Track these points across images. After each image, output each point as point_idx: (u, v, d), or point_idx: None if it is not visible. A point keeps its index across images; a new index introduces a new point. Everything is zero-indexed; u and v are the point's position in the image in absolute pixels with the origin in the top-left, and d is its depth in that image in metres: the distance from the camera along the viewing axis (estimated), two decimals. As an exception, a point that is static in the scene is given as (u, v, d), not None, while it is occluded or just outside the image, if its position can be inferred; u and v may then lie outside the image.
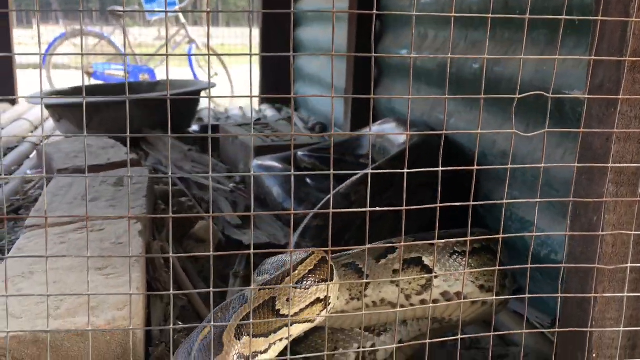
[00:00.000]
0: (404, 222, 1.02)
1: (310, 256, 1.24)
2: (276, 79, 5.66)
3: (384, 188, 2.22)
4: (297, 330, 1.21)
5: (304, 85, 5.36)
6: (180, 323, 1.88)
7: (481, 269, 1.52)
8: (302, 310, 1.19)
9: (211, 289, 0.97)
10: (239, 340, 1.11)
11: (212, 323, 1.12)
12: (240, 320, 1.10)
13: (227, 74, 7.94)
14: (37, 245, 1.83)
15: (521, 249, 2.04)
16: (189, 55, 8.42)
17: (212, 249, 0.99)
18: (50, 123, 4.38)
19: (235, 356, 1.08)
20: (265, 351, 1.14)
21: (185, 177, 3.03)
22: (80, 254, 1.78)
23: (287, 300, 1.15)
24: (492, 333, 1.22)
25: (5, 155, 3.90)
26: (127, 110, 0.93)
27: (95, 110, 3.83)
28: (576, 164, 1.11)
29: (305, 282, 1.19)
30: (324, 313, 1.27)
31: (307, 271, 1.21)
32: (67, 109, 4.02)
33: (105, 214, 2.11)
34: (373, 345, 1.61)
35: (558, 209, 1.88)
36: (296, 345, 1.57)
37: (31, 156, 3.91)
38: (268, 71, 5.84)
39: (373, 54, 0.94)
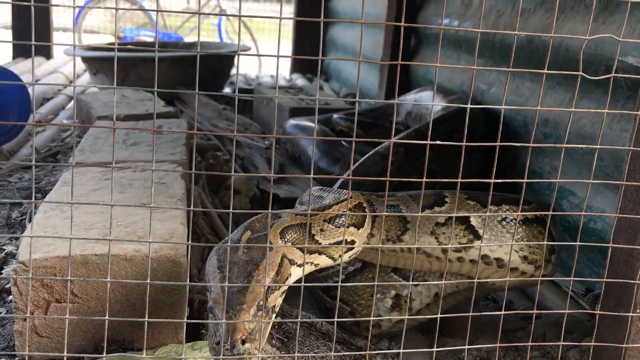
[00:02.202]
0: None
1: (349, 199, 1.29)
2: (309, 51, 5.64)
3: (424, 151, 2.21)
4: (322, 261, 1.28)
5: (338, 56, 5.34)
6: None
7: (529, 240, 1.51)
8: (330, 245, 1.26)
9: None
10: (285, 243, 1.21)
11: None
12: (281, 231, 1.18)
13: (256, 48, 7.98)
14: (81, 179, 1.86)
15: (557, 216, 2.02)
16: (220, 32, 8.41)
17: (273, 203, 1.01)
18: (85, 77, 4.44)
19: (281, 255, 1.15)
20: (300, 265, 1.23)
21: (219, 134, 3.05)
22: (123, 190, 1.81)
23: (321, 230, 1.22)
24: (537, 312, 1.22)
25: (41, 105, 3.96)
26: (197, 64, 0.94)
27: (132, 65, 3.85)
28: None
29: (336, 221, 1.26)
30: (346, 255, 1.32)
31: (340, 212, 1.28)
32: (104, 62, 4.05)
33: (146, 157, 2.15)
34: (409, 294, 1.62)
35: (600, 177, 1.87)
36: (336, 289, 1.59)
37: (67, 107, 3.95)
38: (301, 43, 5.82)
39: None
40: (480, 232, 1.46)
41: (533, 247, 1.51)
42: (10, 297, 1.67)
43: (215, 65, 4.20)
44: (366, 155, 2.24)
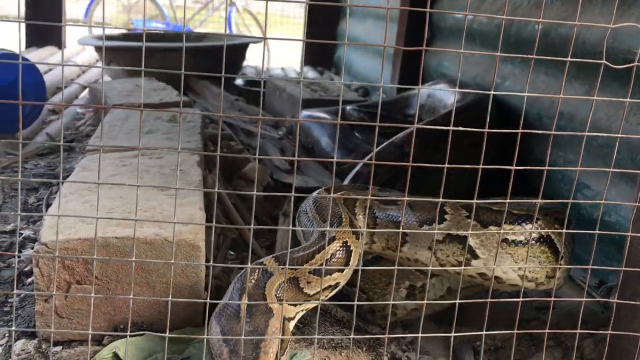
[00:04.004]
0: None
1: (332, 242, 1.34)
2: (320, 44, 5.63)
3: (439, 142, 2.22)
4: (312, 305, 1.35)
5: (349, 50, 5.34)
6: (232, 252, 1.94)
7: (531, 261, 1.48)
8: (317, 292, 1.32)
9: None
10: (281, 306, 1.25)
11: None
12: (274, 293, 1.25)
13: (266, 40, 8.02)
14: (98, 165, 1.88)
15: (569, 227, 2.02)
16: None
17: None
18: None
19: (282, 319, 1.19)
20: (293, 318, 1.29)
21: (233, 124, 3.07)
22: (141, 177, 1.83)
23: (308, 282, 1.30)
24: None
25: (54, 94, 3.98)
26: (224, 52, 0.95)
27: (147, 55, 3.87)
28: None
29: (321, 270, 1.31)
30: (331, 294, 1.38)
31: (324, 260, 1.32)
32: (116, 52, 4.07)
33: (162, 145, 2.16)
34: (423, 285, 1.63)
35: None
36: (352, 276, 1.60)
37: (80, 96, 3.98)
38: (312, 35, 5.81)
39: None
40: (478, 252, 1.45)
41: (533, 266, 1.48)
42: (29, 280, 1.69)
43: (228, 56, 4.22)
44: (381, 146, 2.25)
